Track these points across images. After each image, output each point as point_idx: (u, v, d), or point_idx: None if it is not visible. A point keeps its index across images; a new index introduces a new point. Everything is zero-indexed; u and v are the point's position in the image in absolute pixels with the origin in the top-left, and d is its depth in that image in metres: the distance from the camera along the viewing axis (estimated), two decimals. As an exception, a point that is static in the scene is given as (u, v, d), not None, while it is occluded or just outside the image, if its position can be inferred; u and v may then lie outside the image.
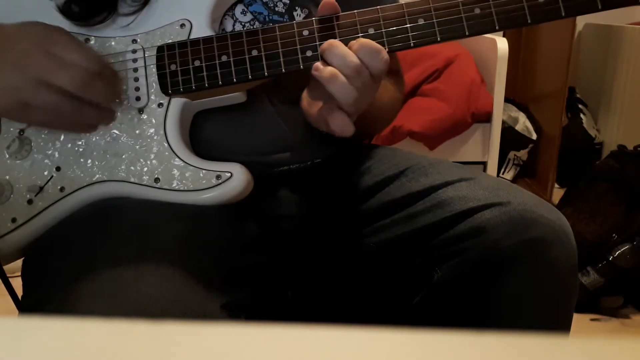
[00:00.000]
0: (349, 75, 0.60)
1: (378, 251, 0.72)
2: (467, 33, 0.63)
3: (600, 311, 1.63)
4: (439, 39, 0.63)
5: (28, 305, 0.63)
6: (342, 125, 0.63)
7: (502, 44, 1.91)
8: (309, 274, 0.77)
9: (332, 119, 0.63)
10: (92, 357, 0.25)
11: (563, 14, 0.63)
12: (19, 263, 0.69)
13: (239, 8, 0.71)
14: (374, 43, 0.61)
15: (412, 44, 0.64)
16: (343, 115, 0.63)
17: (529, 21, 0.62)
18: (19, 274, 0.65)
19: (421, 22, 0.63)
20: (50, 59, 0.59)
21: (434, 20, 0.63)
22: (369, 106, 0.66)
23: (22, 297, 0.65)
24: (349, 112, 0.63)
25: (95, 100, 0.62)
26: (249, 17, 0.72)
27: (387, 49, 0.64)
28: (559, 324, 0.68)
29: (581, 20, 2.57)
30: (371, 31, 0.64)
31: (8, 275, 0.66)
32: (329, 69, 0.61)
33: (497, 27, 0.63)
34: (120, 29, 0.67)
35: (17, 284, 0.66)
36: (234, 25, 0.71)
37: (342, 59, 0.61)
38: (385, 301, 0.75)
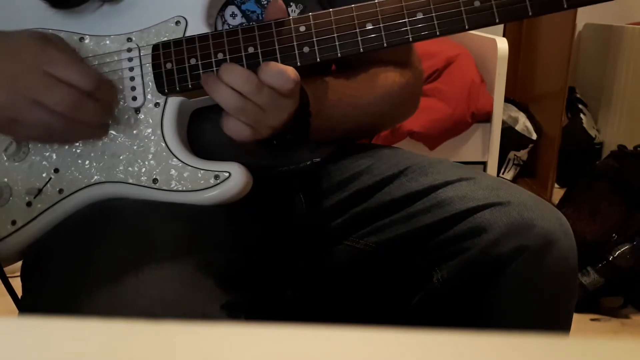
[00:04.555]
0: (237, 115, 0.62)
1: (378, 251, 0.72)
2: (466, 27, 0.62)
3: (600, 311, 1.63)
4: (438, 33, 0.62)
5: (28, 305, 0.63)
6: (236, 132, 0.63)
7: (502, 44, 1.91)
8: (309, 274, 0.77)
9: (225, 122, 0.63)
10: (92, 357, 0.25)
11: (565, 6, 0.60)
12: (18, 263, 0.68)
13: (229, 10, 0.70)
14: (278, 65, 0.61)
15: (410, 39, 0.62)
16: (236, 122, 0.63)
17: (530, 13, 0.61)
18: (19, 274, 0.65)
19: (420, 15, 0.62)
20: (44, 78, 0.57)
21: (433, 14, 0.62)
22: (343, 114, 0.70)
23: (21, 297, 0.65)
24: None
25: (87, 120, 0.61)
26: (238, 20, 0.71)
27: (385, 44, 0.63)
28: (559, 324, 0.68)
29: (581, 20, 2.57)
30: (369, 26, 0.63)
31: (8, 275, 0.66)
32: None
33: (497, 20, 0.61)
34: (114, 27, 0.66)
35: (17, 283, 0.66)
36: (222, 27, 0.70)
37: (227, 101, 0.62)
38: (385, 301, 0.75)
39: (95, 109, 0.61)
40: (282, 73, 0.61)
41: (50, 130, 0.60)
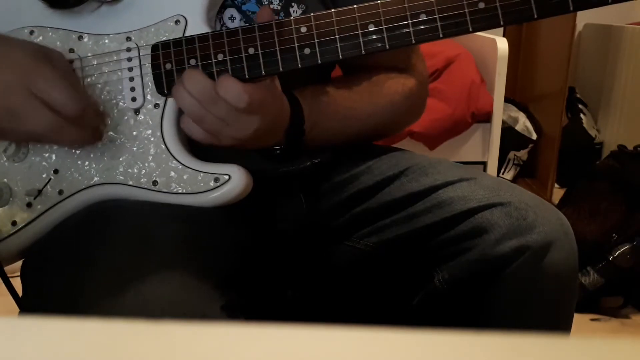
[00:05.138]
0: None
1: (378, 251, 0.72)
2: (470, 29, 0.60)
3: (600, 311, 1.63)
4: (441, 35, 0.61)
5: (27, 305, 0.63)
6: (192, 133, 0.63)
7: (502, 44, 1.91)
8: (309, 274, 0.77)
9: (182, 120, 0.63)
10: (92, 357, 0.25)
11: (571, 8, 0.59)
12: (18, 263, 0.69)
13: (228, 13, 0.70)
14: (235, 82, 0.60)
15: (413, 41, 0.61)
16: (193, 124, 0.62)
17: (536, 16, 0.59)
18: (19, 274, 0.65)
19: (423, 17, 0.61)
20: (28, 98, 0.57)
21: (437, 16, 0.60)
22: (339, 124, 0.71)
23: (21, 297, 0.65)
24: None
25: (68, 142, 0.62)
26: (237, 23, 0.70)
27: (387, 46, 0.62)
28: (559, 325, 0.68)
29: (581, 20, 2.57)
30: (371, 27, 0.61)
31: (8, 275, 0.66)
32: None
33: (501, 23, 0.60)
34: (113, 26, 0.66)
35: (17, 283, 0.66)
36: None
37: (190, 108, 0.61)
38: (385, 301, 0.75)
39: (77, 133, 0.61)
40: (235, 89, 0.60)
41: (35, 140, 0.62)
